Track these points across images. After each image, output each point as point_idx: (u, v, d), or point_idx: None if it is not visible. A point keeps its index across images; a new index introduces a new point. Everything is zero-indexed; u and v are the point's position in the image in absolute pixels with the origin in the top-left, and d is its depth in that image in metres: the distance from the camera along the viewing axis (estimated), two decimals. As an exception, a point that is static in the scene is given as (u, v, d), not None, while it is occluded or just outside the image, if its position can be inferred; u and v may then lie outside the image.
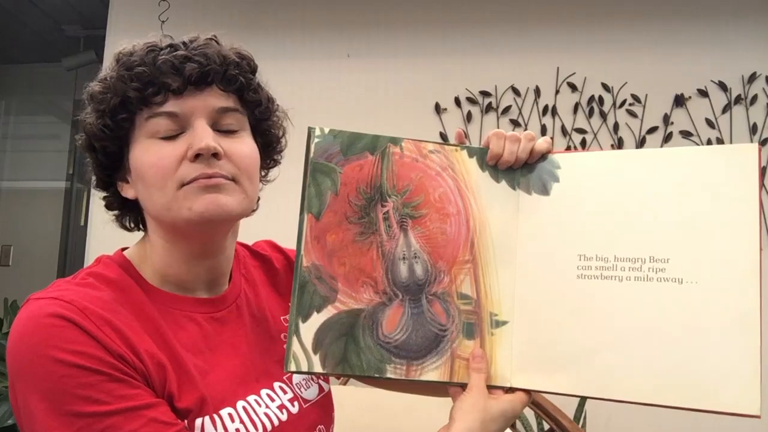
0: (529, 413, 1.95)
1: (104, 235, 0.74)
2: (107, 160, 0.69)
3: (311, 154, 0.67)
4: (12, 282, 3.18)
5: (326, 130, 0.67)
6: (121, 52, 0.68)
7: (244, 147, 0.68)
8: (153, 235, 0.70)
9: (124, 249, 0.72)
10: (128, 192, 0.69)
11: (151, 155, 0.64)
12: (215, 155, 0.64)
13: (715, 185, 0.62)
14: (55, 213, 3.24)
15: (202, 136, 0.64)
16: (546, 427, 1.88)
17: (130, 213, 0.74)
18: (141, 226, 0.74)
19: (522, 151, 0.69)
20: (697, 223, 0.62)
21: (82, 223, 2.87)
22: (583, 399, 1.96)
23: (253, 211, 0.73)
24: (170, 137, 0.65)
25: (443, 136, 2.31)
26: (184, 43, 0.68)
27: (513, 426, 1.75)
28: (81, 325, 0.57)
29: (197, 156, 0.64)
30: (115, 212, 0.74)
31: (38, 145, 3.57)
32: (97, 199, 0.77)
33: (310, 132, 0.67)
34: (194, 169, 0.64)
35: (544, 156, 0.70)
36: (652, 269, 0.62)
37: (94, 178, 0.72)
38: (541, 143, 0.70)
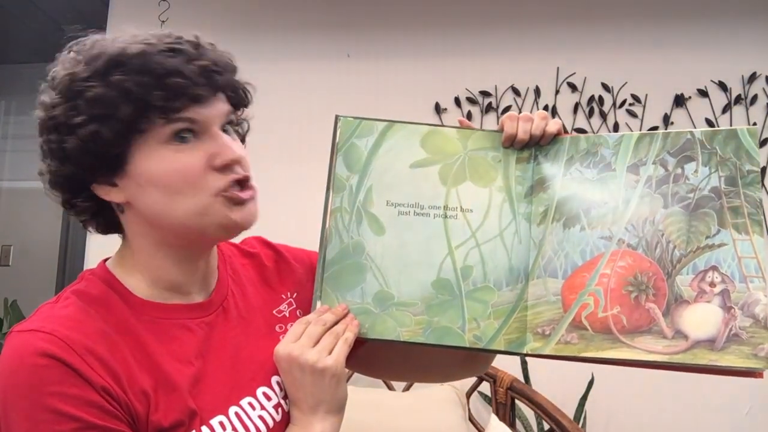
0: (529, 413, 1.95)
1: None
2: (98, 164, 0.63)
3: (337, 140, 0.75)
4: (12, 282, 3.17)
5: (350, 119, 0.77)
6: (109, 51, 0.62)
7: (243, 150, 0.69)
8: (141, 240, 0.67)
9: (106, 260, 0.71)
10: (115, 196, 0.65)
11: (173, 163, 0.63)
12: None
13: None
14: (55, 213, 3.23)
15: (229, 145, 0.65)
16: (546, 427, 1.88)
17: (97, 218, 0.69)
18: (110, 230, 0.71)
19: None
20: None
21: (82, 223, 2.85)
22: (583, 399, 1.96)
23: None
24: (183, 142, 0.63)
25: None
26: (194, 45, 0.65)
27: (513, 425, 1.75)
28: (64, 360, 0.57)
29: (224, 165, 0.64)
30: (83, 217, 0.69)
31: (38, 145, 3.56)
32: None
33: (337, 120, 0.76)
34: (224, 179, 0.64)
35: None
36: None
37: (56, 180, 0.66)
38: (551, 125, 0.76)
